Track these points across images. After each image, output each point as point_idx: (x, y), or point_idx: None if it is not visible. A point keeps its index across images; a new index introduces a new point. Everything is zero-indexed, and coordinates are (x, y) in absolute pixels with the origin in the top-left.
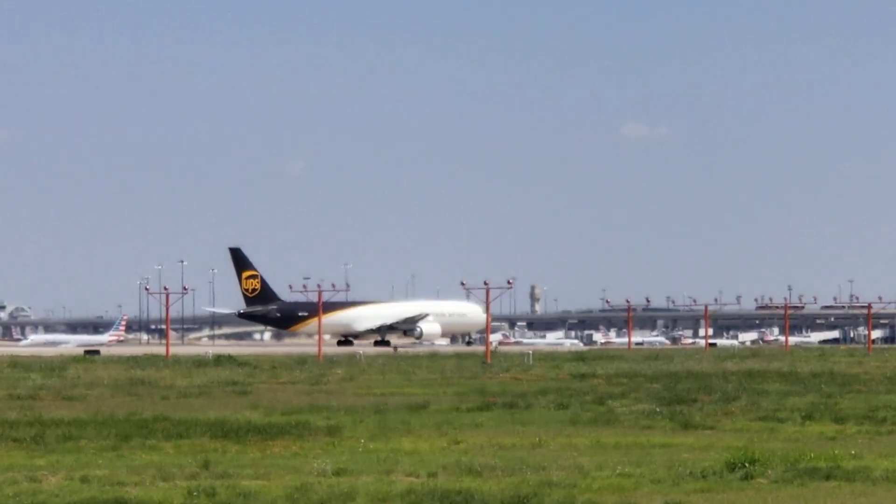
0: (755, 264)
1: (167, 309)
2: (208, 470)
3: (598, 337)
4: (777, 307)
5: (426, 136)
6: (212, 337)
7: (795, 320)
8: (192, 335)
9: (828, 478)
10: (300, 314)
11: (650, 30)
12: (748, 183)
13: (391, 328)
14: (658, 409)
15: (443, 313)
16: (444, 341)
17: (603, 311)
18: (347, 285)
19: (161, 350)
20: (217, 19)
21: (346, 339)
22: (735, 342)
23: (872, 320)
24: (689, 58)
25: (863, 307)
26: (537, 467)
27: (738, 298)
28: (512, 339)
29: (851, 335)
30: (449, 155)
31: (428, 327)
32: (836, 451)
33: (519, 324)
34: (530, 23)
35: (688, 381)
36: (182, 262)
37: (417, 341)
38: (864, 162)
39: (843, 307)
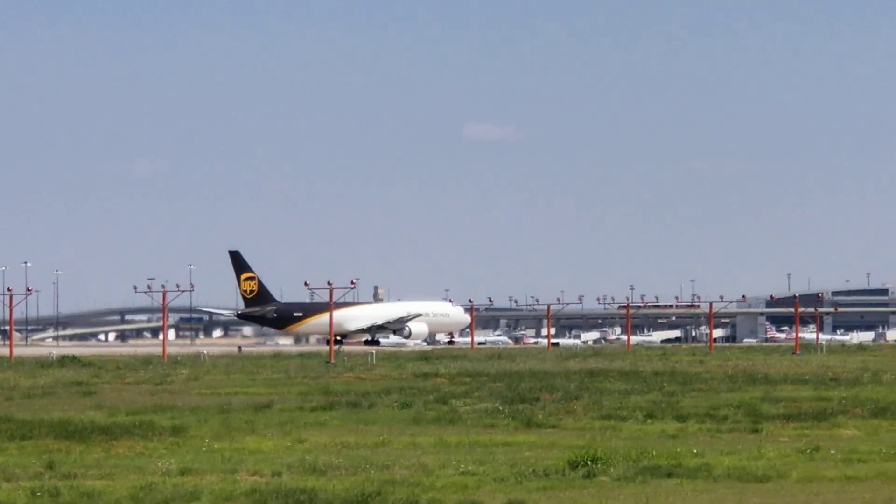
0: (598, 264)
1: (10, 310)
2: (52, 470)
3: (440, 336)
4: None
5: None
6: (56, 338)
7: (637, 320)
8: (36, 336)
9: (669, 475)
10: (295, 315)
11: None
12: (591, 184)
13: (381, 328)
14: (501, 408)
15: (428, 314)
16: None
17: None
18: (192, 285)
19: (4, 351)
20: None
21: (336, 338)
22: (577, 341)
23: (715, 319)
24: (525, 57)
25: (690, 306)
26: (381, 466)
27: (581, 298)
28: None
29: (693, 334)
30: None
31: (416, 327)
32: (677, 449)
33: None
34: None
35: (530, 380)
36: (26, 263)
37: (406, 340)
38: (706, 163)
39: (690, 305)
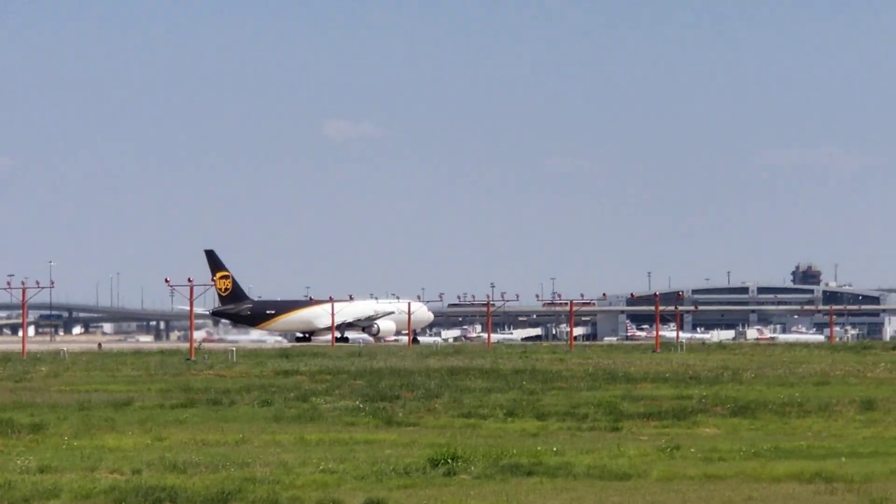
0: (458, 262)
1: None
2: None
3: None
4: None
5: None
6: None
7: (498, 317)
8: None
9: (530, 473)
10: (268, 312)
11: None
12: (451, 181)
13: (350, 325)
14: (361, 406)
15: (394, 311)
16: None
17: None
18: (52, 282)
19: None
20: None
21: (305, 335)
22: (438, 339)
23: (576, 317)
24: (395, 58)
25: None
26: (241, 464)
27: (441, 296)
28: (216, 336)
29: (553, 332)
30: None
31: (384, 324)
32: (538, 448)
33: (223, 321)
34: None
35: (391, 378)
36: None
37: (374, 337)
38: (567, 161)
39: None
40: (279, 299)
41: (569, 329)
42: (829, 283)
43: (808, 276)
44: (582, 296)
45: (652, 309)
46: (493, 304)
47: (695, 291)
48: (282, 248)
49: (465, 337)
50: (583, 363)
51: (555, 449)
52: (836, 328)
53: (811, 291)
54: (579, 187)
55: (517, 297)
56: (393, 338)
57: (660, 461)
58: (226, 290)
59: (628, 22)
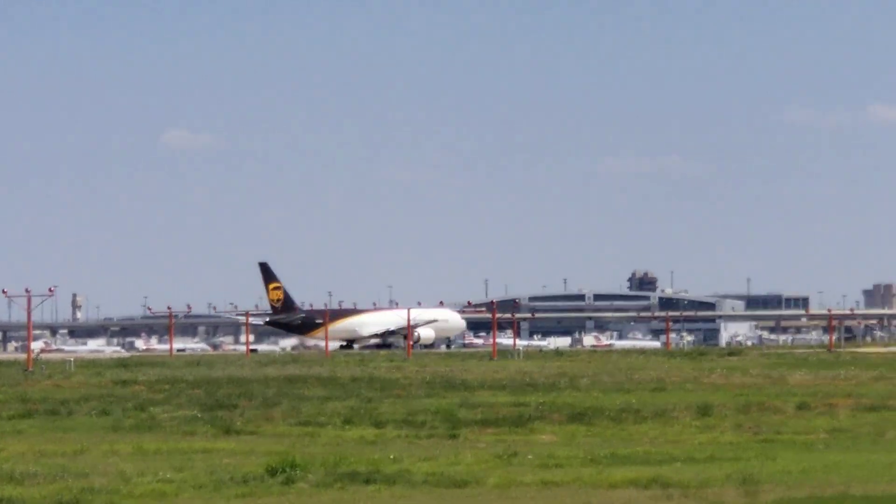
0: (296, 271)
1: None
2: None
3: (140, 344)
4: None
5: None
6: None
7: None
8: None
9: (368, 481)
10: (317, 322)
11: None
12: (287, 190)
13: (392, 333)
14: (200, 415)
15: (437, 320)
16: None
17: (145, 317)
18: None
19: None
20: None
21: (348, 343)
22: (276, 348)
23: (411, 326)
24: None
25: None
26: (79, 474)
27: None
28: (54, 347)
29: (390, 340)
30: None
31: (424, 332)
32: (376, 455)
33: (61, 331)
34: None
35: (229, 387)
36: None
37: (415, 344)
38: (405, 169)
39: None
40: (326, 309)
41: (406, 337)
42: (666, 289)
43: (644, 282)
44: (419, 304)
45: (489, 316)
46: (331, 312)
47: (531, 299)
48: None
49: (303, 345)
50: (420, 371)
51: (392, 457)
52: (673, 334)
53: (647, 298)
54: (415, 194)
55: (354, 305)
56: (424, 344)
57: (497, 468)
58: (278, 300)
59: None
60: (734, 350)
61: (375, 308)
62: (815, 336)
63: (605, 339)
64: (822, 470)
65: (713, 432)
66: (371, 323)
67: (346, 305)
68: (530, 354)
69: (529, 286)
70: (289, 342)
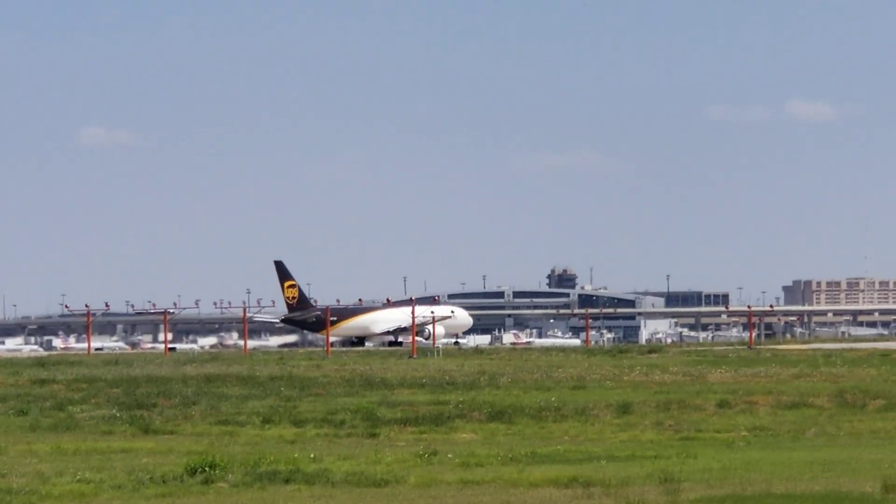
0: (214, 268)
1: None
2: None
3: (58, 342)
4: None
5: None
6: None
7: (255, 324)
8: None
9: (288, 481)
10: (332, 319)
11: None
12: (203, 188)
13: (404, 330)
14: (118, 414)
15: (452, 315)
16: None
17: (63, 316)
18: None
19: None
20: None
21: (358, 339)
22: (195, 346)
23: (424, 322)
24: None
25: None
26: None
27: (197, 302)
28: None
29: (310, 339)
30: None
31: (436, 329)
32: (295, 455)
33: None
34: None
35: (148, 386)
36: None
37: (426, 341)
38: (335, 165)
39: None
40: (339, 306)
41: (325, 335)
42: (585, 286)
43: (563, 279)
44: (338, 301)
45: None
46: (249, 310)
47: (451, 296)
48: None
49: (221, 344)
50: (339, 369)
51: (312, 456)
52: (593, 332)
53: (567, 295)
54: (329, 192)
55: (273, 303)
56: (444, 341)
57: (417, 467)
58: (293, 298)
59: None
60: (654, 347)
61: (386, 305)
62: (735, 333)
63: (524, 337)
64: (743, 468)
65: (634, 430)
66: (382, 320)
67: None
68: (449, 352)
69: (449, 283)
70: (278, 340)
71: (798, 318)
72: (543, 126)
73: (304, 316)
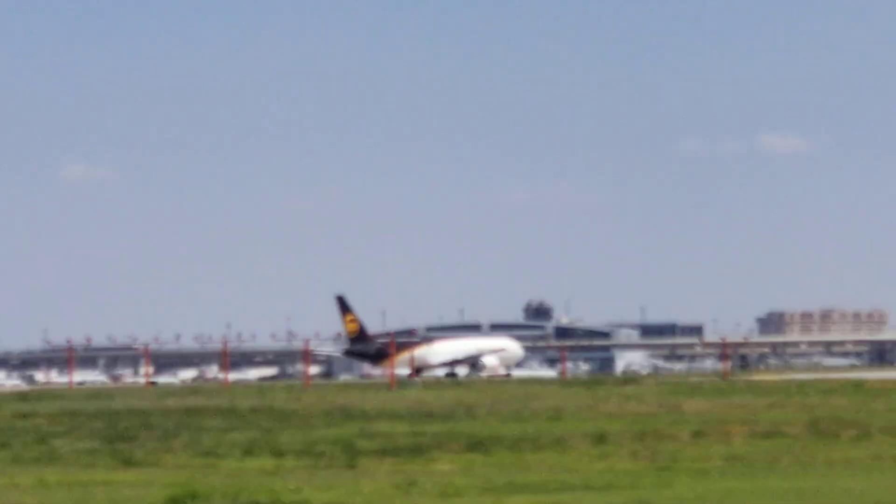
0: (193, 302)
1: None
2: None
3: (40, 377)
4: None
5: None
6: None
7: (235, 358)
8: None
9: None
10: (390, 352)
11: None
12: (183, 220)
13: (460, 362)
14: (100, 447)
15: (504, 349)
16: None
17: (45, 350)
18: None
19: None
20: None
21: (417, 371)
22: (176, 380)
23: (310, 356)
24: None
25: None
26: None
27: (178, 337)
28: None
29: (290, 371)
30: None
31: (489, 361)
32: (276, 486)
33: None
34: None
35: (129, 419)
36: None
37: (481, 373)
38: (301, 199)
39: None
40: (401, 340)
41: (305, 368)
42: (561, 318)
43: (539, 311)
44: (318, 334)
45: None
46: (229, 344)
47: (429, 329)
48: None
49: (201, 377)
50: (319, 401)
51: (293, 487)
52: (568, 363)
53: (543, 327)
54: (314, 227)
55: (253, 336)
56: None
57: (396, 497)
58: (353, 332)
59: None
60: (630, 378)
61: (444, 337)
62: (709, 364)
63: (502, 369)
64: (718, 497)
65: (610, 460)
66: (441, 352)
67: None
68: (428, 384)
69: (426, 316)
70: (257, 373)
71: (772, 349)
72: (518, 160)
73: (365, 348)
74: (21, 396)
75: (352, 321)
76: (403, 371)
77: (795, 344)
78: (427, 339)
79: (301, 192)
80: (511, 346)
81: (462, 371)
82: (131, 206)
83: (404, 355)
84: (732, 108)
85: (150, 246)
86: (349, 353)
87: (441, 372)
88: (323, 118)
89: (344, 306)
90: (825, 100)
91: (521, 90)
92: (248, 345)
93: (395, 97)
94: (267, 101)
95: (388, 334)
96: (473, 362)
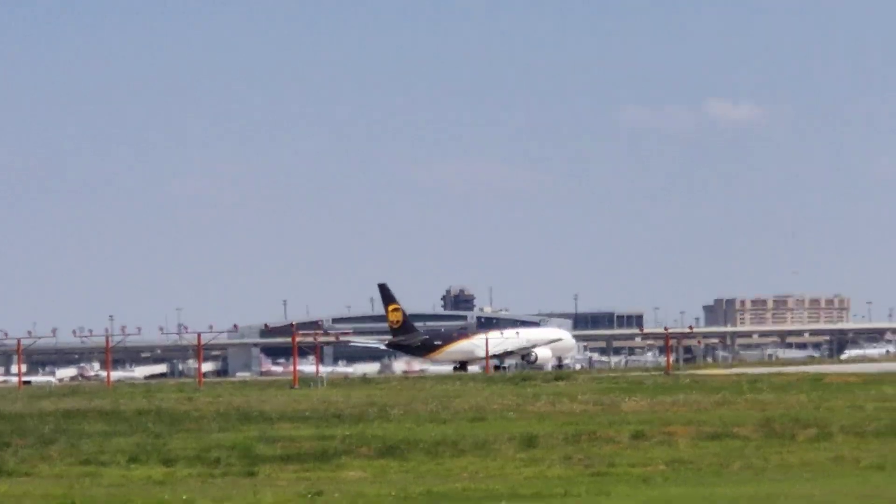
0: (73, 294)
1: None
2: None
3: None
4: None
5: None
6: None
7: (119, 354)
8: None
9: None
10: (436, 343)
11: None
12: (63, 210)
13: (510, 353)
14: None
15: (561, 339)
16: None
17: None
18: None
19: None
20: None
21: (461, 364)
22: (52, 379)
23: (205, 352)
24: None
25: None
26: None
27: (55, 331)
28: None
29: (181, 368)
30: None
31: (542, 352)
32: (165, 497)
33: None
34: None
35: (0, 424)
36: None
37: (532, 365)
38: (187, 182)
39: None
40: (443, 331)
41: (197, 365)
42: (484, 308)
43: (460, 301)
44: (211, 327)
45: (289, 341)
46: (112, 339)
47: (335, 320)
48: None
49: (81, 376)
50: (213, 402)
51: (184, 497)
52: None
53: (464, 318)
54: (205, 210)
55: (139, 330)
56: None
57: None
58: (397, 322)
59: None
60: (561, 374)
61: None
62: (650, 357)
63: (417, 365)
64: None
65: (540, 465)
66: (489, 344)
67: None
68: (335, 382)
69: (333, 307)
70: (144, 371)
71: (720, 341)
72: (437, 133)
73: (409, 340)
74: None
75: (395, 310)
76: (447, 366)
77: (746, 334)
78: (472, 331)
79: (190, 175)
80: (566, 337)
81: (512, 363)
82: (7, 189)
83: (451, 347)
84: (677, 74)
85: (23, 231)
86: (393, 346)
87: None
88: (242, 93)
89: (386, 295)
90: (780, 66)
91: (442, 57)
92: (134, 339)
93: (301, 68)
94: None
95: (290, 326)
96: (525, 354)
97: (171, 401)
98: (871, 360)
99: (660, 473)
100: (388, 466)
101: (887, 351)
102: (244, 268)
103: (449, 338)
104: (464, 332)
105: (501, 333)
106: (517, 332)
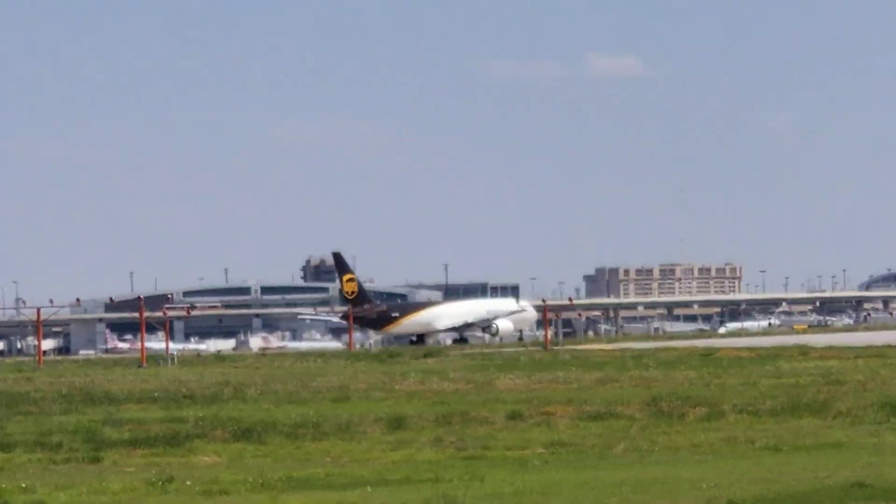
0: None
1: None
2: None
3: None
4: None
5: None
6: None
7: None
8: None
9: None
10: (393, 315)
11: None
12: None
13: (470, 325)
14: None
15: (523, 309)
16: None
17: None
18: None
19: None
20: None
21: (419, 337)
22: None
23: (45, 328)
24: None
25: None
26: None
27: None
28: None
29: (19, 346)
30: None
31: (503, 324)
32: (2, 485)
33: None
34: None
35: None
36: None
37: (494, 337)
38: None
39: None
40: (402, 302)
41: (37, 342)
42: None
43: (321, 272)
44: (51, 301)
45: (136, 315)
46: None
47: (186, 294)
48: None
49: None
50: (54, 382)
51: (23, 486)
52: (357, 333)
53: (326, 290)
54: (45, 176)
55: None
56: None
57: (150, 496)
58: (352, 292)
59: None
60: (431, 350)
61: (451, 299)
62: (527, 331)
63: (275, 341)
64: (541, 491)
65: (408, 448)
66: (447, 315)
67: None
68: (186, 360)
69: (184, 279)
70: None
71: (603, 313)
72: (293, 87)
73: (366, 312)
74: None
75: (350, 280)
76: (405, 338)
77: (631, 306)
78: (433, 302)
79: (24, 139)
80: (528, 307)
81: (475, 335)
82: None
83: (409, 319)
84: (552, 25)
85: None
86: (349, 318)
87: (448, 338)
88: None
89: (341, 264)
90: (660, 23)
91: (298, 9)
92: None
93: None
94: None
95: (137, 299)
96: (486, 326)
97: (9, 381)
98: (750, 334)
99: (538, 457)
100: (245, 451)
101: (769, 324)
102: (87, 238)
103: (406, 309)
104: (423, 304)
105: (462, 304)
106: (479, 303)
